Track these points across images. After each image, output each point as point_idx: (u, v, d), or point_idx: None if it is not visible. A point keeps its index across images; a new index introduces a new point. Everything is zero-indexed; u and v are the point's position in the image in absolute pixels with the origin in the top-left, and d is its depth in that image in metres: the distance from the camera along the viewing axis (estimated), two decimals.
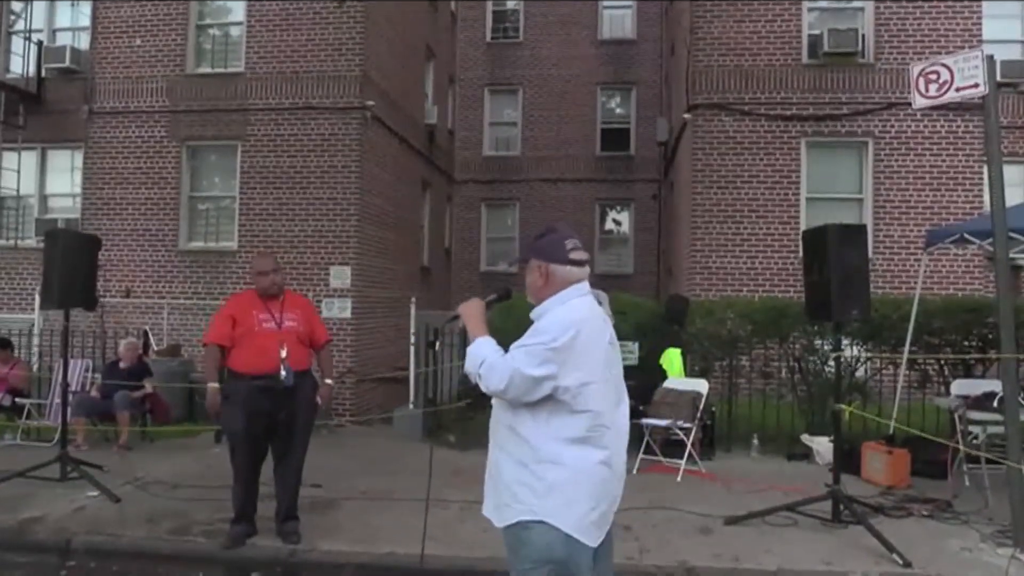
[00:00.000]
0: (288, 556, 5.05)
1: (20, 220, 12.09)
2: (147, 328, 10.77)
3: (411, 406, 9.51)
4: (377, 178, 11.97)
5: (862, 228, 5.74)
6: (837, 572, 4.71)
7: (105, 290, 10.47)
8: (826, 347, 7.87)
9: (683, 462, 7.07)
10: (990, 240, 5.55)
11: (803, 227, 10.12)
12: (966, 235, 6.91)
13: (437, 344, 8.60)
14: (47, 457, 6.60)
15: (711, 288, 10.96)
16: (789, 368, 8.41)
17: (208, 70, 11.83)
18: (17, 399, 8.50)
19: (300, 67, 11.26)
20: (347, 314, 10.91)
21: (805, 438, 7.82)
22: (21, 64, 11.99)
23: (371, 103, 11.33)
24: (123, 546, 5.22)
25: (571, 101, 20.84)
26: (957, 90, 5.28)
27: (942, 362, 8.17)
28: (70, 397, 7.25)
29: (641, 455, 7.24)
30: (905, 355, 7.44)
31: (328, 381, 5.40)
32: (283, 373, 4.94)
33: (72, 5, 12.29)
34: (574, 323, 2.51)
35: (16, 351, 9.26)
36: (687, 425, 7.18)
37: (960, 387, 6.95)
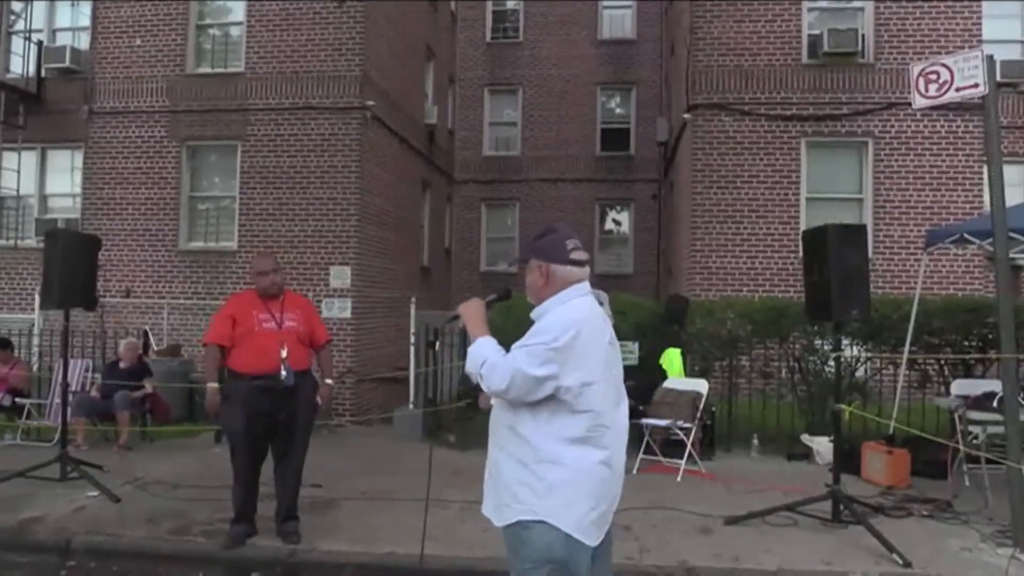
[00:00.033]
0: (288, 556, 5.05)
1: (20, 220, 12.09)
2: (147, 328, 10.77)
3: (411, 406, 9.51)
4: (377, 178, 11.97)
5: (862, 228, 5.74)
6: (837, 572, 4.71)
7: (105, 290, 10.47)
8: (826, 347, 7.87)
9: (683, 462, 7.07)
10: (990, 240, 5.55)
11: (803, 227, 10.12)
12: (966, 235, 6.91)
13: (437, 344, 8.59)
14: (47, 457, 6.60)
15: (711, 288, 10.96)
16: (789, 368, 8.41)
17: (208, 70, 11.83)
18: (17, 399, 8.50)
19: (300, 67, 11.26)
20: (347, 314, 10.91)
21: (805, 438, 7.82)
22: (21, 64, 11.99)
23: (371, 103, 11.33)
24: (123, 546, 5.22)
25: (571, 101, 20.85)
26: (957, 90, 5.28)
27: (942, 362, 8.17)
28: (70, 397, 7.24)
29: (641, 455, 7.24)
30: (905, 355, 7.44)
31: (328, 381, 5.40)
32: (283, 373, 4.94)
33: (72, 5, 12.29)
34: (575, 323, 2.51)
35: (16, 351, 9.26)
36: (687, 425, 7.18)
37: (960, 387, 6.95)
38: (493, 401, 2.67)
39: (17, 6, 12.43)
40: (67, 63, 11.62)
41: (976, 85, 5.15)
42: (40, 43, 12.01)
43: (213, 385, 5.01)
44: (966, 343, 8.18)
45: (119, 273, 11.46)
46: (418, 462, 5.68)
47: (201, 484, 6.46)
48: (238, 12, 11.80)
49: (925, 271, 8.22)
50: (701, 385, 7.53)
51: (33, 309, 10.33)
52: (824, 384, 8.03)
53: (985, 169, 5.53)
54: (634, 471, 6.87)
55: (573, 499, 2.48)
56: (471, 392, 8.01)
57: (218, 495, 5.79)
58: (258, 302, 5.16)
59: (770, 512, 5.56)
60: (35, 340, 10.05)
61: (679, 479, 6.89)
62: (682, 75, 12.85)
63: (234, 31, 11.87)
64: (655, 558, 4.90)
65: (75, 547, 5.20)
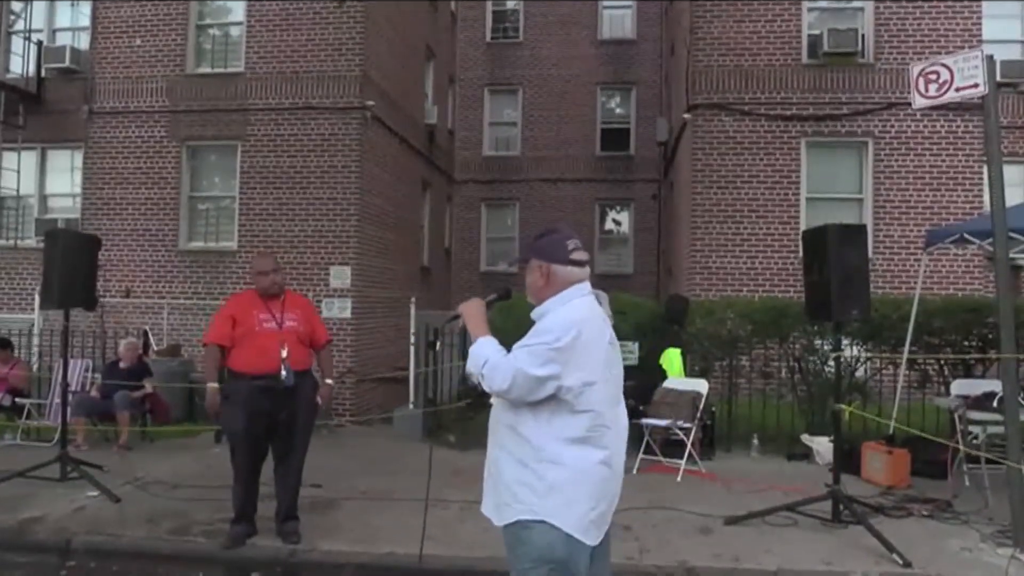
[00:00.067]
0: (288, 556, 5.05)
1: (20, 220, 12.09)
2: (147, 328, 10.77)
3: (411, 406, 9.51)
4: (377, 178, 11.97)
5: (862, 228, 5.74)
6: (837, 572, 4.71)
7: (105, 290, 10.47)
8: (826, 347, 7.87)
9: (683, 462, 7.07)
10: (990, 240, 5.55)
11: (803, 227, 10.12)
12: (966, 235, 6.91)
13: (437, 344, 8.61)
14: (47, 457, 6.60)
15: (711, 288, 10.96)
16: (789, 368, 8.41)
17: (208, 70, 11.83)
18: (17, 399, 8.50)
19: (300, 67, 11.26)
20: (347, 314, 10.92)
21: (805, 438, 7.82)
22: (21, 64, 11.99)
23: (371, 103, 11.33)
24: (123, 546, 5.21)
25: (571, 101, 20.84)
26: (957, 90, 5.28)
27: (942, 362, 8.17)
28: (70, 397, 7.25)
29: (641, 455, 7.24)
30: (905, 355, 7.44)
31: (328, 381, 5.40)
32: (284, 373, 4.94)
33: (72, 5, 12.29)
34: (576, 323, 2.51)
35: (16, 351, 9.27)
36: (687, 425, 7.18)
37: (960, 387, 6.95)
38: (493, 400, 2.67)
39: (17, 6, 12.43)
40: (67, 63, 11.62)
41: (976, 85, 5.15)
42: (40, 43, 12.02)
43: (213, 385, 5.01)
44: (966, 343, 8.18)
45: (119, 273, 11.46)
46: (418, 462, 5.68)
47: (201, 484, 6.46)
48: (238, 12, 11.80)
49: (925, 271, 8.22)
50: (701, 385, 7.53)
51: (33, 309, 10.33)
52: (824, 384, 8.03)
53: (985, 169, 5.53)
54: (634, 471, 6.87)
55: (573, 499, 2.48)
56: (471, 392, 8.02)
57: (218, 495, 5.78)
58: (258, 302, 5.16)
59: (770, 512, 5.56)
60: (35, 340, 10.05)
61: (679, 479, 6.89)
62: (682, 75, 12.85)
63: (234, 31, 11.87)
64: (655, 558, 4.90)
65: (75, 547, 5.20)
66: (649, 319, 8.59)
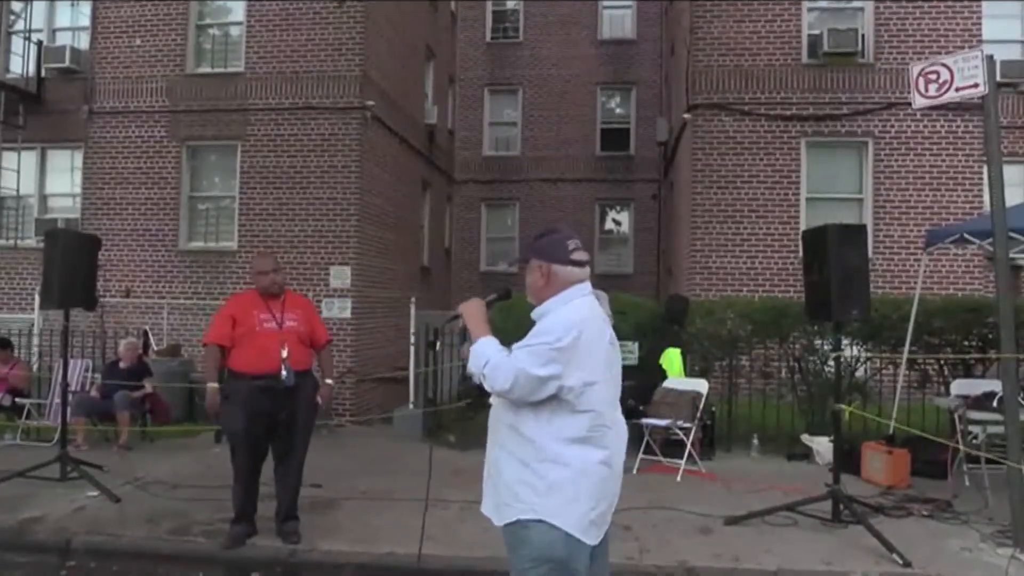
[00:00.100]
0: (288, 556, 5.05)
1: (20, 220, 12.09)
2: (147, 328, 10.77)
3: (411, 406, 9.51)
4: (377, 178, 11.97)
5: (862, 228, 5.74)
6: (837, 572, 4.71)
7: (105, 290, 10.47)
8: (826, 347, 7.87)
9: (683, 462, 7.07)
10: (990, 240, 5.55)
11: (803, 227, 10.12)
12: (966, 235, 6.92)
13: (437, 344, 8.60)
14: (47, 457, 6.60)
15: (711, 288, 10.96)
16: (789, 368, 8.41)
17: (208, 70, 11.83)
18: (17, 399, 8.50)
19: (300, 67, 11.26)
20: (347, 314, 10.91)
21: (805, 438, 7.82)
22: (21, 64, 11.99)
23: (371, 103, 11.33)
24: (123, 546, 5.21)
25: (571, 101, 20.84)
26: (957, 90, 5.28)
27: (942, 362, 8.17)
28: (70, 397, 7.25)
29: (641, 455, 7.23)
30: (905, 355, 7.44)
31: (328, 381, 5.40)
32: (284, 373, 4.94)
33: (72, 5, 12.29)
34: (577, 323, 2.51)
35: (16, 351, 9.26)
36: (687, 425, 7.18)
37: (960, 387, 6.95)
38: (493, 400, 2.67)
39: (17, 6, 12.43)
40: (67, 63, 11.62)
41: (976, 85, 5.15)
42: (40, 43, 12.01)
43: (213, 385, 5.01)
44: (966, 343, 8.18)
45: (119, 273, 11.46)
46: (418, 462, 5.68)
47: (201, 484, 6.46)
48: (238, 12, 11.80)
49: (925, 271, 8.22)
50: (701, 385, 7.53)
51: (33, 309, 10.33)
52: (824, 384, 8.03)
53: (985, 169, 5.53)
54: (634, 471, 6.87)
55: (573, 498, 2.48)
56: (471, 392, 8.02)
57: (218, 495, 5.78)
58: (259, 302, 5.16)
59: (770, 512, 5.56)
60: (35, 340, 10.05)
61: (679, 479, 6.89)
62: (682, 75, 12.85)
63: (234, 31, 11.87)
64: (655, 558, 4.90)
65: (75, 547, 5.20)
66: (649, 319, 8.58)
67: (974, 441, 6.21)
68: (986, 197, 6.56)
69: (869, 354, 8.32)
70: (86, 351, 9.66)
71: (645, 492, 6.16)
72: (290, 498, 5.21)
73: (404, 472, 6.97)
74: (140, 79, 11.71)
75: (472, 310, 2.72)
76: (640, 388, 7.62)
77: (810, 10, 11.38)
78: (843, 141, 11.23)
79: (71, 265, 6.44)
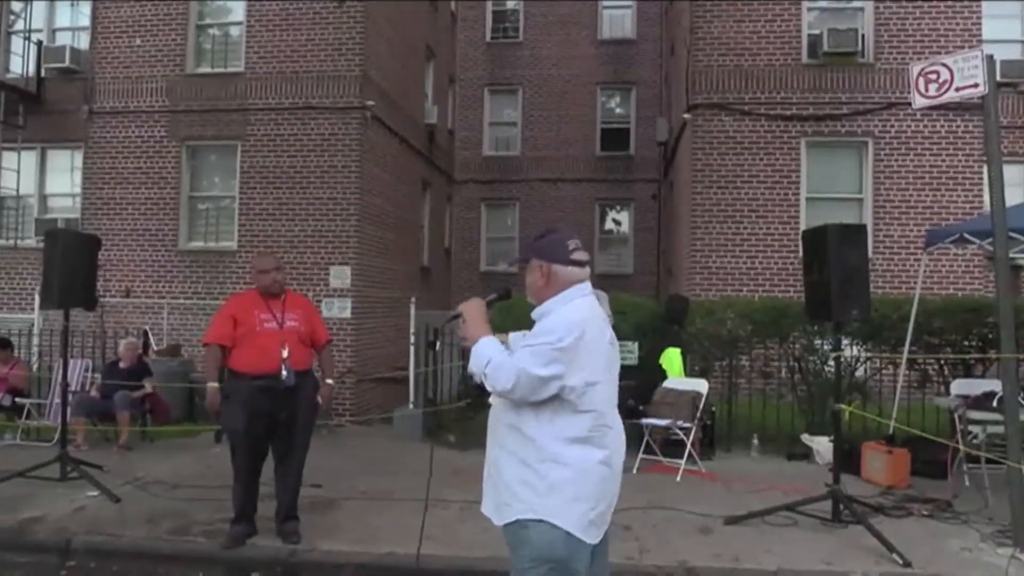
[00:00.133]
0: (288, 556, 5.05)
1: (20, 220, 12.09)
2: (147, 328, 10.77)
3: (411, 406, 9.51)
4: (377, 178, 11.97)
5: (862, 228, 5.74)
6: (837, 572, 4.71)
7: (105, 290, 10.47)
8: (826, 347, 7.87)
9: (683, 462, 7.07)
10: (990, 240, 5.55)
11: (803, 227, 10.11)
12: (966, 235, 6.92)
13: (437, 344, 8.60)
14: (47, 457, 6.60)
15: (711, 288, 10.96)
16: (789, 368, 8.41)
17: (208, 70, 11.83)
18: (17, 399, 8.50)
19: (300, 67, 11.26)
20: (347, 314, 10.92)
21: (805, 438, 7.82)
22: (21, 64, 11.99)
23: (371, 103, 11.33)
24: (123, 546, 5.21)
25: (571, 101, 20.84)
26: (957, 90, 5.28)
27: (942, 362, 8.17)
28: (70, 397, 7.24)
29: (641, 455, 7.23)
30: (905, 355, 7.44)
31: (329, 381, 5.40)
32: (284, 373, 4.94)
33: (72, 5, 12.29)
34: (579, 323, 2.52)
35: (16, 351, 9.26)
36: (687, 425, 7.18)
37: (960, 387, 6.95)
38: (492, 400, 2.67)
39: (17, 6, 12.43)
40: (67, 63, 11.62)
41: (976, 85, 5.15)
42: (40, 43, 12.01)
43: (214, 384, 5.01)
44: (966, 343, 8.18)
45: (119, 273, 11.46)
46: (418, 462, 5.68)
47: (201, 484, 6.46)
48: (238, 12, 11.80)
49: (925, 271, 8.22)
50: (701, 385, 7.53)
51: (33, 309, 10.33)
52: (824, 384, 8.03)
53: (985, 169, 5.53)
54: (634, 471, 6.87)
55: (574, 498, 2.49)
56: (471, 392, 8.02)
57: (218, 495, 5.78)
58: (260, 302, 5.16)
59: (770, 512, 5.56)
60: (35, 340, 10.05)
61: (679, 479, 6.89)
62: (682, 75, 12.85)
63: (234, 31, 11.87)
64: (655, 558, 4.90)
65: (75, 547, 5.20)
66: (649, 319, 8.58)
67: (974, 441, 6.21)
68: (986, 197, 6.56)
69: (869, 354, 8.32)
70: (86, 351, 9.66)
71: (645, 492, 6.16)
72: (290, 498, 5.21)
73: (404, 472, 6.97)
74: (140, 79, 11.72)
75: (472, 310, 2.72)
76: (640, 388, 7.62)
77: (810, 10, 11.38)
78: (843, 141, 11.23)
79: (71, 265, 6.44)
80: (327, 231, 11.06)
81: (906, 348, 7.43)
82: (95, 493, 6.10)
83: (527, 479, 2.52)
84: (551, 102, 20.89)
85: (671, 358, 8.08)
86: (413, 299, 10.22)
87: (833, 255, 5.33)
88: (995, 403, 5.93)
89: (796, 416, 8.34)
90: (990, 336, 7.69)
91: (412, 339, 9.77)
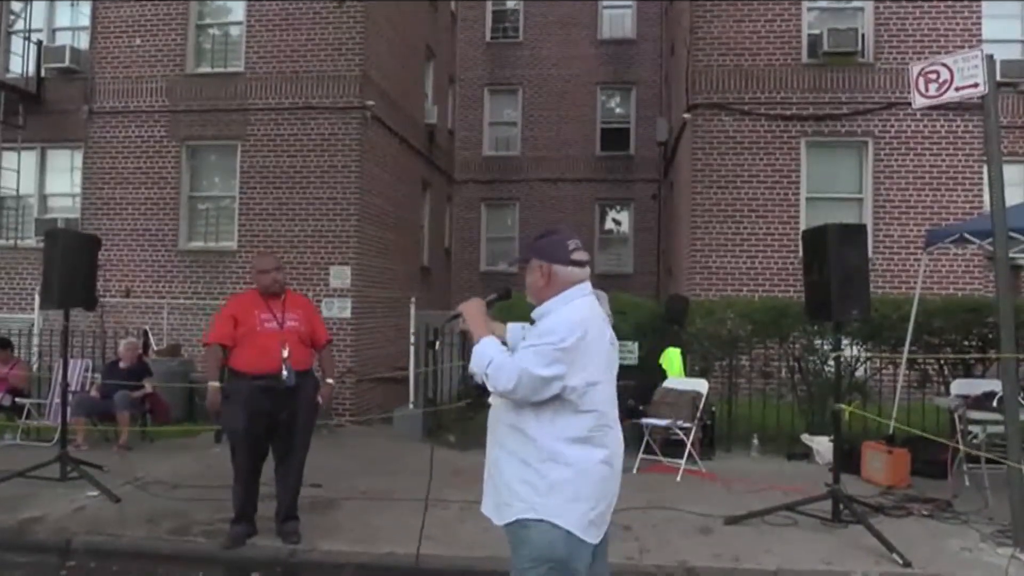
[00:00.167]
0: (288, 556, 5.05)
1: (20, 220, 12.08)
2: (147, 328, 10.77)
3: (411, 406, 9.51)
4: (377, 178, 11.97)
5: (862, 228, 5.73)
6: (837, 572, 4.71)
7: (105, 290, 10.47)
8: (826, 347, 7.87)
9: (683, 462, 7.07)
10: (990, 240, 5.55)
11: (803, 227, 10.11)
12: (966, 235, 6.92)
13: (437, 344, 8.59)
14: (47, 457, 6.60)
15: (711, 288, 10.96)
16: (789, 368, 8.41)
17: (208, 70, 11.83)
18: (17, 399, 8.49)
19: (300, 67, 11.26)
20: (347, 314, 10.92)
21: (805, 438, 7.82)
22: (21, 64, 11.99)
23: (371, 103, 11.33)
24: (123, 546, 5.21)
25: (571, 101, 20.85)
26: (957, 90, 5.28)
27: (942, 362, 8.17)
28: (70, 397, 7.24)
29: (641, 455, 7.23)
30: (905, 355, 7.44)
31: (329, 381, 5.40)
32: (285, 373, 4.94)
33: (72, 5, 12.28)
34: (580, 323, 2.52)
35: (16, 351, 9.26)
36: (687, 425, 7.18)
37: (960, 387, 6.94)
38: (492, 400, 2.67)
39: (17, 6, 12.43)
40: (67, 63, 11.62)
41: (976, 85, 5.15)
42: (40, 43, 12.01)
43: (214, 384, 5.01)
44: (966, 343, 8.18)
45: (119, 273, 11.46)
46: (418, 462, 5.68)
47: (201, 484, 6.46)
48: (238, 12, 11.80)
49: (925, 271, 8.22)
50: (701, 385, 7.53)
51: (33, 309, 10.33)
52: (824, 384, 8.03)
53: (985, 169, 5.53)
54: (634, 471, 6.87)
55: (574, 498, 2.49)
56: (471, 392, 8.02)
57: (218, 495, 5.78)
58: (260, 302, 5.16)
59: (770, 512, 5.56)
60: (35, 340, 10.05)
61: (679, 479, 6.89)
62: (682, 75, 12.85)
63: (234, 31, 11.87)
64: (655, 558, 4.90)
65: (75, 547, 5.20)
66: (649, 319, 8.58)
67: (974, 441, 6.21)
68: (986, 197, 6.56)
69: (869, 354, 8.32)
70: (86, 351, 9.66)
71: (645, 492, 6.16)
72: (290, 498, 5.21)
73: (404, 472, 6.97)
74: (140, 79, 11.72)
75: (472, 310, 2.73)
76: (640, 388, 7.62)
77: (810, 10, 11.38)
78: (843, 141, 11.23)
79: (71, 265, 6.44)
80: (327, 231, 11.06)
81: (906, 348, 7.43)
82: (95, 493, 6.10)
83: (528, 479, 2.52)
84: (551, 102, 20.89)
85: (671, 358, 8.08)
86: (413, 299, 10.22)
87: (833, 255, 5.33)
88: (995, 403, 5.93)
89: (796, 416, 8.34)
90: (990, 336, 7.69)
91: (412, 339, 9.77)
